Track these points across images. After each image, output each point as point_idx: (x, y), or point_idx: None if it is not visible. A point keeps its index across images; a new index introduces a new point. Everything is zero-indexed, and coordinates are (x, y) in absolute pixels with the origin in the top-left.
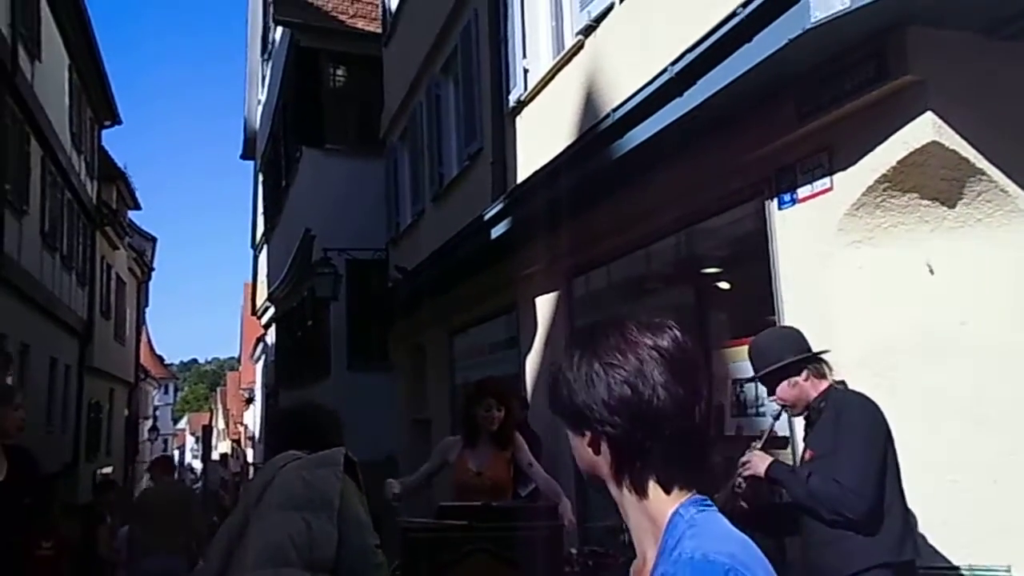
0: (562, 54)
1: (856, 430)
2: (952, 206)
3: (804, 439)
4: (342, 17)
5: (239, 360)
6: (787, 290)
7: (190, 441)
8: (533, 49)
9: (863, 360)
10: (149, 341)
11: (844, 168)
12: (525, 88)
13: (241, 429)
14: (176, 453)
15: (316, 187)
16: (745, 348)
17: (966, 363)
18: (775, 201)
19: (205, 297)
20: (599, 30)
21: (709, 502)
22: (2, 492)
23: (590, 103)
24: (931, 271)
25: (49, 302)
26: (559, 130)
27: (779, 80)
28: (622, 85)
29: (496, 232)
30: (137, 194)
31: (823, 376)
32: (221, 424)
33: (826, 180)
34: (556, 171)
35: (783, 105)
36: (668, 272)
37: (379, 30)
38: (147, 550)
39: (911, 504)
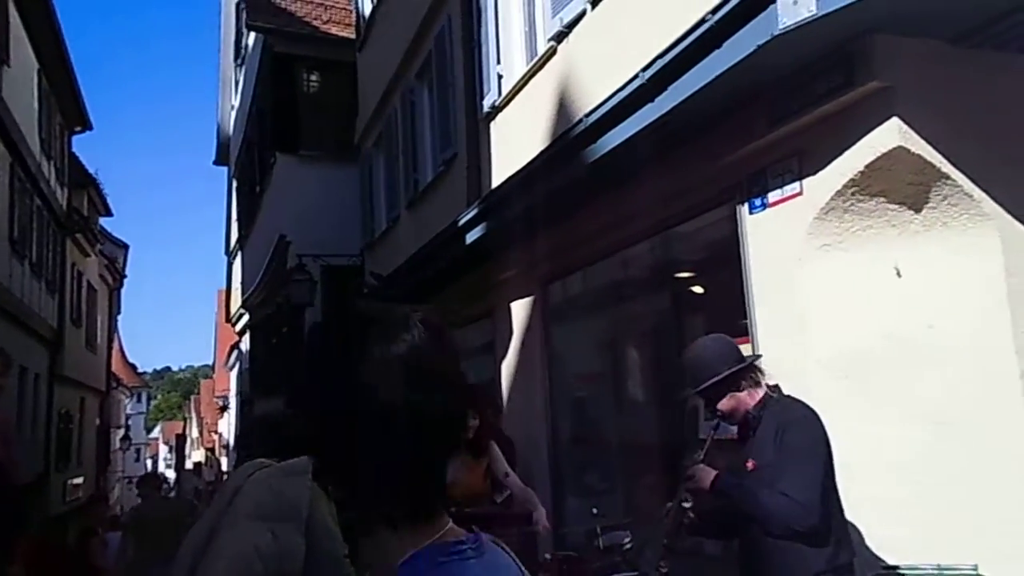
0: (535, 60)
1: (802, 444)
2: (919, 210)
3: (743, 449)
4: (316, 23)
5: (213, 368)
6: (759, 294)
7: (163, 450)
8: (507, 55)
9: (833, 362)
10: (121, 349)
11: (813, 173)
12: (499, 94)
13: (215, 438)
14: (149, 463)
15: (291, 193)
16: None
17: (934, 365)
18: (746, 206)
19: (179, 304)
20: (571, 36)
21: None
22: None
23: (563, 108)
24: (899, 274)
25: (18, 310)
26: (533, 135)
27: (750, 86)
28: (594, 91)
29: (471, 237)
30: (109, 200)
31: (759, 384)
32: (195, 433)
33: (796, 185)
34: (531, 176)
35: (754, 111)
36: (643, 276)
37: (353, 36)
38: (146, 565)
39: (881, 504)
